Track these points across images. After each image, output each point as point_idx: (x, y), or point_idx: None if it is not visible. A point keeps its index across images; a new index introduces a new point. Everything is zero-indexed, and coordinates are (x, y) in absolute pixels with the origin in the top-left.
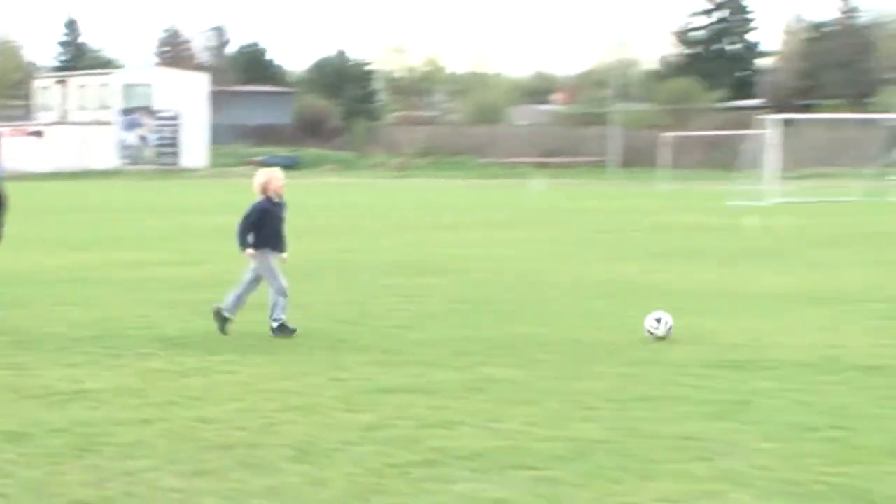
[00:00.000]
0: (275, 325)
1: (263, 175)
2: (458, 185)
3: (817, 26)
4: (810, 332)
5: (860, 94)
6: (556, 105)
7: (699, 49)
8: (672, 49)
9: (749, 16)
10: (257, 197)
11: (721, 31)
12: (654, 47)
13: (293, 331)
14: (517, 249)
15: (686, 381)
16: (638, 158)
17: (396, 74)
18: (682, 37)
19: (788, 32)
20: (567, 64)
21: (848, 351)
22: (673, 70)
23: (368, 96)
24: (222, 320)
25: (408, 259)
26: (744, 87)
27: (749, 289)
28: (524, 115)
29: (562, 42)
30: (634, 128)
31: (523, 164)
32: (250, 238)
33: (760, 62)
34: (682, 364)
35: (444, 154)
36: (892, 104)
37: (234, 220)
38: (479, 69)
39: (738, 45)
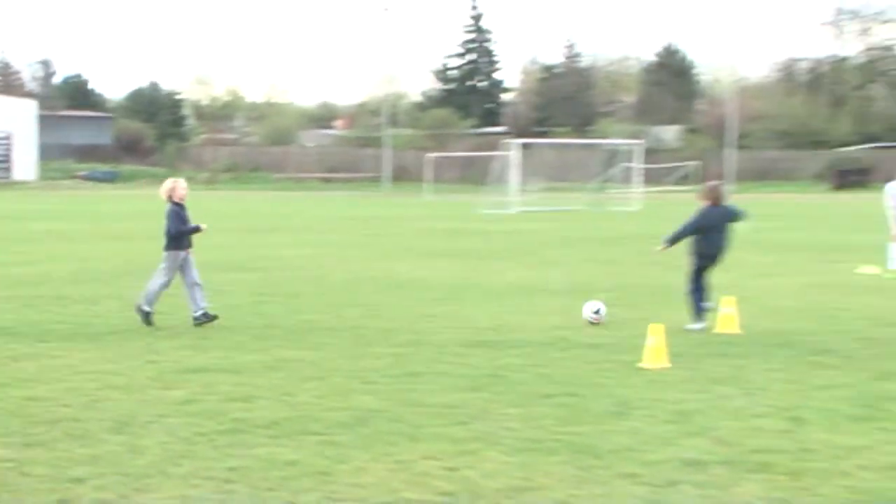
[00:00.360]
0: (145, 308)
1: (170, 183)
2: (257, 197)
3: (548, 68)
4: (547, 316)
5: (583, 122)
6: (338, 130)
7: (454, 85)
8: (432, 84)
9: (494, 58)
10: (165, 202)
11: (472, 71)
12: (417, 82)
13: (150, 319)
14: (309, 251)
15: (448, 358)
16: (406, 175)
17: (202, 102)
18: (440, 74)
19: (525, 72)
20: (346, 95)
21: (576, 332)
22: (433, 102)
23: (178, 121)
24: (209, 318)
25: (217, 258)
26: (491, 117)
27: (497, 282)
28: (311, 138)
29: (342, 77)
30: (403, 149)
31: (311, 179)
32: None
33: (504, 96)
34: (444, 345)
35: (245, 170)
36: (608, 131)
37: (64, 226)
38: (273, 98)
39: (486, 83)
